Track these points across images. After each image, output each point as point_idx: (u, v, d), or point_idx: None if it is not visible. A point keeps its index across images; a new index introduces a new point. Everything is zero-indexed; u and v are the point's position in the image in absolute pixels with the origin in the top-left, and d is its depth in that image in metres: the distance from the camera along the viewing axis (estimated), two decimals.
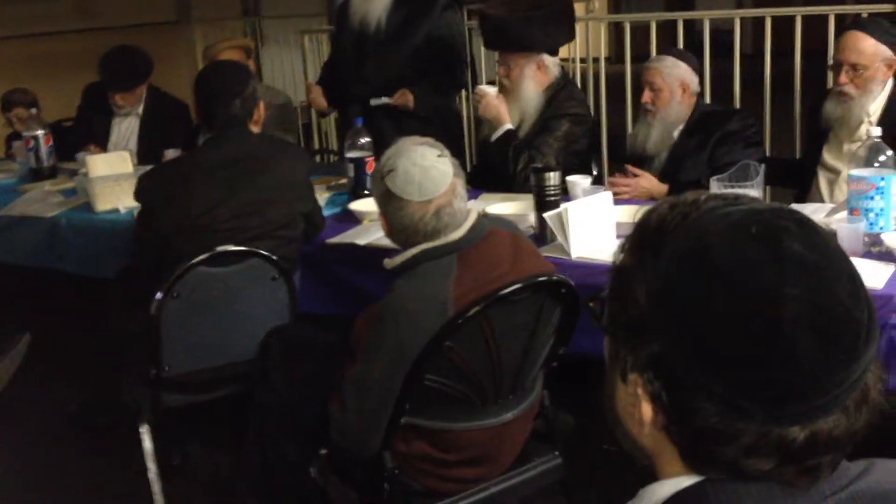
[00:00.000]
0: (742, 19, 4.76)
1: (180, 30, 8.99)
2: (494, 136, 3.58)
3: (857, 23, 3.24)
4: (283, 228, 2.85)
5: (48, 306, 3.86)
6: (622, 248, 0.94)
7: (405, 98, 3.98)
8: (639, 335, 0.89)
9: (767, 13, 4.49)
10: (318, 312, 3.00)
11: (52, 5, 8.17)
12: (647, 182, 3.31)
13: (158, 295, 2.59)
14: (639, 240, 0.92)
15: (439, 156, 2.14)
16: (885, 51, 3.07)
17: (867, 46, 3.05)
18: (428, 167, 2.10)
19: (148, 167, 3.44)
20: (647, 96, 3.40)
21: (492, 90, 3.62)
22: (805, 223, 0.87)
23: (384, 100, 3.99)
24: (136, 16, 8.44)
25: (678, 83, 3.37)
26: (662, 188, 3.28)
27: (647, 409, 0.89)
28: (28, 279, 3.79)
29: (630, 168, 3.36)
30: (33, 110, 4.58)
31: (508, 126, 3.56)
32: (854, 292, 0.84)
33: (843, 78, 3.08)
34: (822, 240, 0.86)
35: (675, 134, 3.42)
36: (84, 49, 6.14)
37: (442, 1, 4.02)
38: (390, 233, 2.20)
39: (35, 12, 7.99)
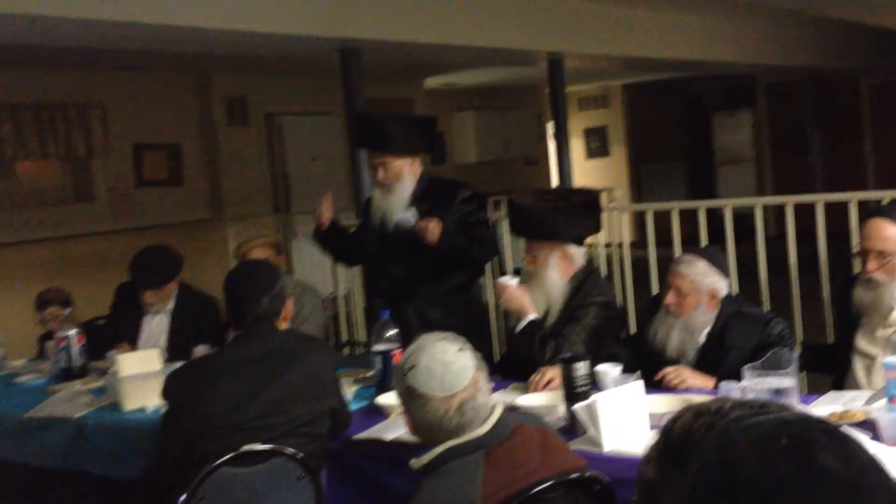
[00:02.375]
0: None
1: (213, 227, 9.26)
2: (519, 328, 3.57)
3: (879, 210, 3.26)
4: (309, 425, 2.81)
5: None
6: (647, 460, 0.91)
7: (432, 227, 3.86)
8: None
9: (789, 200, 4.56)
10: None
11: (89, 207, 8.49)
12: (697, 379, 3.11)
13: (182, 498, 2.54)
14: (663, 451, 0.88)
15: (460, 350, 2.14)
16: None
17: (893, 233, 3.06)
18: (449, 362, 2.10)
19: (177, 364, 3.45)
20: (671, 299, 3.23)
21: (512, 281, 3.63)
22: (836, 434, 0.83)
23: (409, 217, 3.93)
24: (170, 215, 8.73)
25: (707, 292, 3.22)
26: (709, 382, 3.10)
27: None
28: (53, 482, 3.73)
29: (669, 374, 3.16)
30: (67, 310, 4.65)
31: (532, 317, 3.55)
32: None
33: (872, 265, 3.07)
34: (856, 451, 0.82)
35: (702, 338, 3.25)
36: (119, 248, 6.32)
37: (462, 194, 4.09)
38: (415, 431, 2.17)
39: (71, 215, 8.29)
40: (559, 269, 3.61)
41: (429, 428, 2.11)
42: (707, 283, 3.22)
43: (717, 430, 0.85)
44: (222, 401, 2.71)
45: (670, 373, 3.12)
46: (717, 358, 3.18)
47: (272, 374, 2.77)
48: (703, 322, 3.25)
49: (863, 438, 2.43)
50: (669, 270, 3.31)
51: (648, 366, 3.28)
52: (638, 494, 0.90)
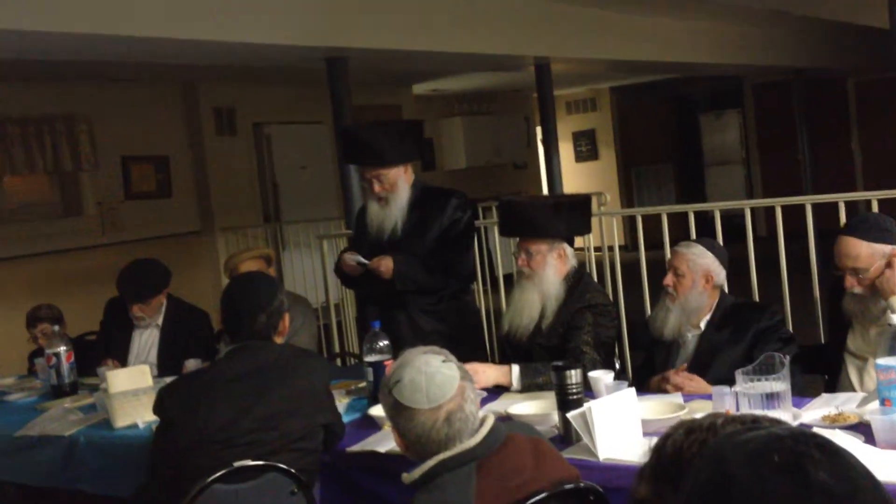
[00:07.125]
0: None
1: (203, 238, 9.23)
2: (515, 386, 3.43)
3: (846, 227, 3.19)
4: (303, 440, 2.79)
5: None
6: (639, 479, 0.90)
7: (383, 263, 3.91)
8: None
9: (777, 202, 4.55)
10: None
11: (77, 221, 8.45)
12: (703, 386, 3.11)
13: None
14: (656, 469, 0.88)
15: (444, 361, 2.14)
16: (880, 248, 3.04)
17: (862, 251, 3.04)
18: (433, 373, 2.10)
19: (168, 379, 3.44)
20: (669, 279, 3.36)
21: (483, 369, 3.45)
22: (828, 448, 0.82)
23: (360, 259, 3.95)
24: (160, 228, 8.70)
25: (702, 273, 3.32)
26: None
27: None
28: (45, 500, 3.70)
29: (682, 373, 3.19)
30: (57, 327, 4.63)
31: (516, 374, 3.43)
32: None
33: (850, 282, 3.07)
34: (849, 465, 0.81)
35: (703, 324, 3.35)
36: (109, 263, 6.29)
37: (454, 202, 4.08)
38: (405, 447, 2.16)
39: (60, 229, 8.25)
40: (556, 268, 3.59)
41: (417, 441, 2.09)
42: (702, 263, 3.33)
43: (709, 447, 0.84)
44: (216, 415, 2.69)
45: (670, 385, 3.12)
46: (717, 347, 3.25)
47: (266, 388, 2.75)
48: (698, 304, 3.32)
49: (856, 442, 2.41)
50: (671, 254, 3.44)
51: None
52: None
